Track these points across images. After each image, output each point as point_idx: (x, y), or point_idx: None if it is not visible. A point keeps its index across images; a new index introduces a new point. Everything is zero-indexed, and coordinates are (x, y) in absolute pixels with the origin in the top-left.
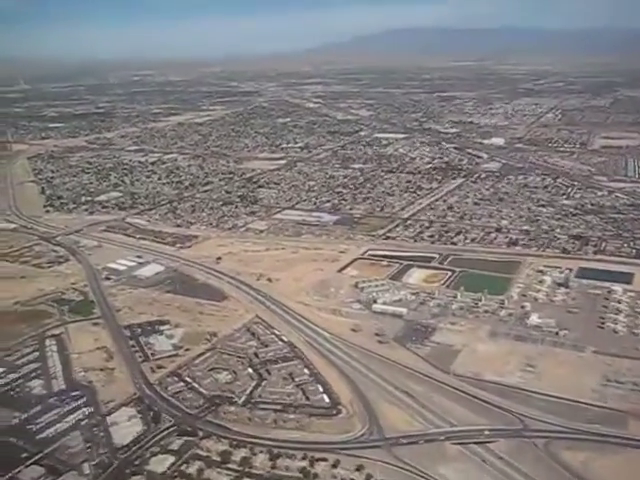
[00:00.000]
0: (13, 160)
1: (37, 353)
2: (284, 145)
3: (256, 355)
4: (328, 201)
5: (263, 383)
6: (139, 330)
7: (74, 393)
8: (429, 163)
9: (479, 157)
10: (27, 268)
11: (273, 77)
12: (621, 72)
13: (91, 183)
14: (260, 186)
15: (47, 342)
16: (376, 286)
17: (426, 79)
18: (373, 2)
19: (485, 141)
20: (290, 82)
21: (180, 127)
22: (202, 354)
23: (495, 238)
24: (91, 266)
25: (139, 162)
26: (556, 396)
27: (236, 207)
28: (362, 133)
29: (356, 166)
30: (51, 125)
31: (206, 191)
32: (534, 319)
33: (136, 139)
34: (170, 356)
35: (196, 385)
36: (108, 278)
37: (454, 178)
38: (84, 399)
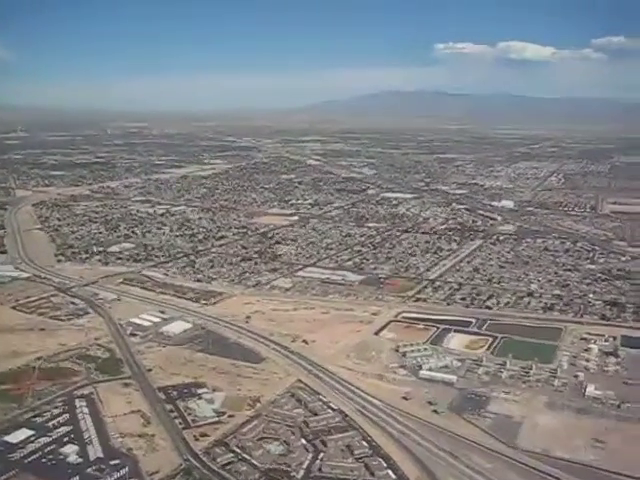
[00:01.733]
0: (17, 206)
1: (67, 415)
2: (293, 201)
3: (306, 424)
4: (349, 260)
5: (320, 456)
6: (175, 393)
7: (114, 462)
8: (443, 224)
9: (492, 219)
10: (45, 320)
11: (270, 133)
12: (611, 140)
13: (100, 233)
14: (277, 242)
15: (77, 403)
16: (419, 351)
17: (422, 141)
18: (368, 64)
19: (495, 203)
20: (288, 139)
21: (184, 180)
22: (248, 421)
23: (529, 303)
24: (113, 320)
25: (147, 213)
26: (634, 477)
27: (256, 263)
28: (370, 192)
29: (371, 225)
30: (52, 173)
31: (221, 245)
32: (591, 390)
33: (141, 190)
34: (213, 423)
35: (247, 456)
36: (134, 334)
37: (472, 239)
38: (126, 469)
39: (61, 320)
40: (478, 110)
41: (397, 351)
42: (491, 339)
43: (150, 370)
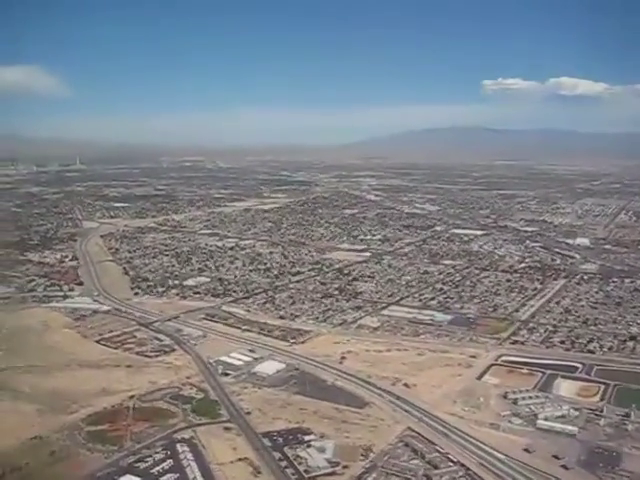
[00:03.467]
0: (86, 237)
1: (171, 461)
2: (362, 237)
3: (429, 478)
4: (433, 298)
5: None
6: (280, 439)
7: None
8: (521, 262)
9: (571, 257)
10: (131, 356)
11: (323, 168)
12: None
13: (173, 266)
14: (355, 279)
15: (179, 447)
16: (530, 398)
17: (478, 177)
18: (412, 101)
19: (570, 241)
20: (342, 174)
21: (247, 213)
22: (365, 473)
23: (634, 348)
24: (202, 358)
25: (217, 247)
26: None
27: (337, 300)
28: (438, 228)
29: (446, 262)
30: (116, 205)
31: (298, 281)
32: None
33: (206, 223)
34: (327, 474)
35: None
36: (226, 373)
37: (555, 279)
38: None
39: (148, 357)
40: (527, 146)
41: (506, 397)
42: (603, 386)
43: (249, 413)
